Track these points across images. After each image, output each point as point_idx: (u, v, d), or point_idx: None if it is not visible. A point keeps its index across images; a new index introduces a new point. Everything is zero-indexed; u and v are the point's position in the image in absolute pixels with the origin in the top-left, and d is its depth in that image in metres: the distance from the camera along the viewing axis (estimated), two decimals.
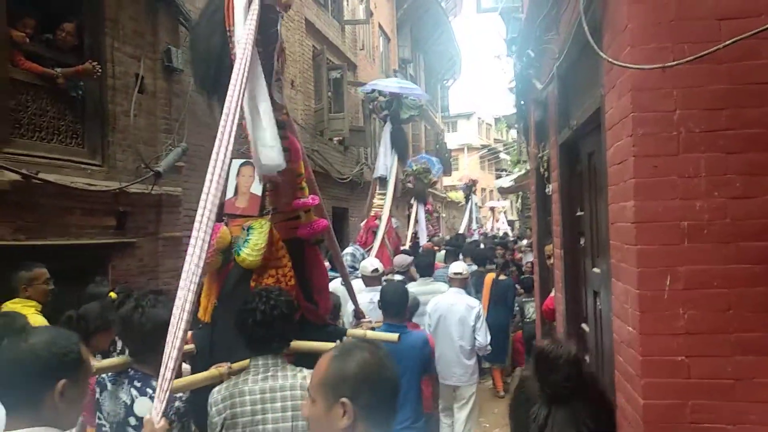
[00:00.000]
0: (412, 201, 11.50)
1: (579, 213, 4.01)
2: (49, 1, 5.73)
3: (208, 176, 2.41)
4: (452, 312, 5.44)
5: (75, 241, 5.52)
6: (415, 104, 8.99)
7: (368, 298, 5.13)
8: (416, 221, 11.10)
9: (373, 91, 8.97)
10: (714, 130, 2.24)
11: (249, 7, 2.80)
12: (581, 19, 2.57)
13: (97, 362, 2.47)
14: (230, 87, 2.60)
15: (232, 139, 2.49)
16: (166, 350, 2.15)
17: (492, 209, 32.21)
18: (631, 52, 2.32)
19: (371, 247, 8.36)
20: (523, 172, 12.75)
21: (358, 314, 4.28)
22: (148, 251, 6.50)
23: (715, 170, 2.22)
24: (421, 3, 20.41)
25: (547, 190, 4.93)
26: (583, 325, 3.99)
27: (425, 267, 6.52)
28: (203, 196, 2.38)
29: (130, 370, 2.49)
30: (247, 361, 2.61)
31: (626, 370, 2.42)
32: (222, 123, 2.51)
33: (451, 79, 29.82)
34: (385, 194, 8.80)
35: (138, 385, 2.44)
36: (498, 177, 35.81)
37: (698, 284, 2.20)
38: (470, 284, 6.99)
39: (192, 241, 2.32)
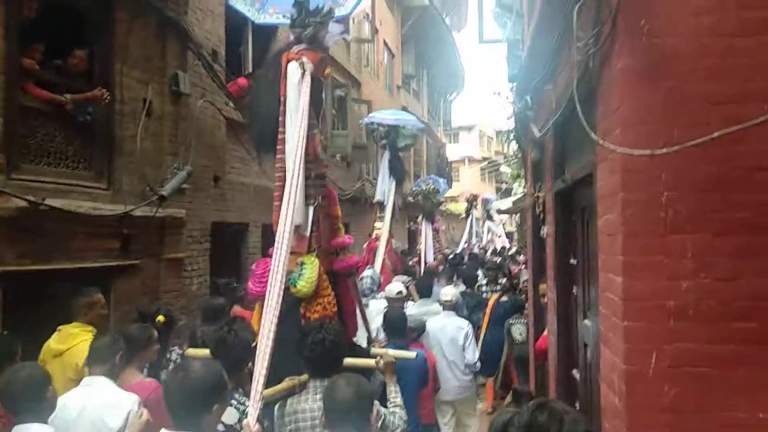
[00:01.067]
0: (420, 219, 11.75)
1: (572, 261, 4.08)
2: (59, 27, 5.83)
3: (281, 223, 3.28)
4: (444, 333, 5.87)
5: (79, 265, 5.60)
6: (410, 133, 9.47)
7: None
8: (424, 239, 11.30)
9: (372, 122, 9.24)
10: (701, 212, 2.32)
11: (302, 80, 3.53)
12: (573, 93, 2.63)
13: None
14: (293, 147, 3.43)
15: (299, 189, 3.32)
16: (256, 368, 2.81)
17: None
18: (621, 134, 2.39)
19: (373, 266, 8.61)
20: (521, 194, 12.87)
21: (370, 339, 4.63)
22: (150, 273, 6.58)
23: (702, 252, 2.30)
24: (426, 19, 20.49)
25: (541, 233, 5.01)
26: (574, 371, 4.06)
27: (425, 289, 6.94)
28: (278, 238, 3.21)
29: None
30: (306, 375, 3.15)
31: None
32: (288, 177, 3.39)
33: (455, 93, 29.95)
34: (383, 217, 9.04)
35: None
36: (498, 189, 35.86)
37: (683, 363, 2.27)
38: (462, 305, 7.36)
39: (270, 280, 3.08)
